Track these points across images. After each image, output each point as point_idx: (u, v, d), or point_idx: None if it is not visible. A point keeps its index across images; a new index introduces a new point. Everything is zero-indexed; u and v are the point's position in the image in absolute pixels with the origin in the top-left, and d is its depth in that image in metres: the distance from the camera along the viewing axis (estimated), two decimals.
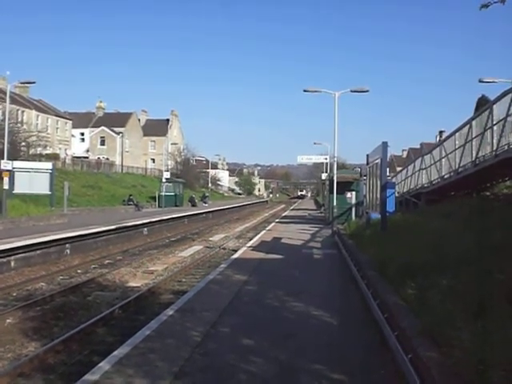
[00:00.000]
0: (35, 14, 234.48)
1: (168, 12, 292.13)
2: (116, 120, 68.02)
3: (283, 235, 20.17)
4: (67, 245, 16.68)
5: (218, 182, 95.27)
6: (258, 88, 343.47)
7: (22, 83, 34.38)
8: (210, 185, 77.27)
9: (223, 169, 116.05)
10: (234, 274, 10.59)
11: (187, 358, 5.25)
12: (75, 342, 7.57)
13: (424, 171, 19.01)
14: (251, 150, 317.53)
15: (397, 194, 20.72)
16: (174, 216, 29.71)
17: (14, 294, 11.22)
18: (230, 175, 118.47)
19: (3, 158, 25.31)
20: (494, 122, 11.70)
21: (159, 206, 40.93)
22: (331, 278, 10.89)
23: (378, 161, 15.67)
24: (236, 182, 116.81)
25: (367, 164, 19.18)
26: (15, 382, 6.10)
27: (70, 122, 59.72)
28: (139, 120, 75.47)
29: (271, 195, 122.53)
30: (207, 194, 56.06)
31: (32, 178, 28.21)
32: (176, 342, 5.77)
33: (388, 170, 19.92)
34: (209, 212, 39.70)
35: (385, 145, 14.70)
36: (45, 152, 42.80)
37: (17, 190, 26.87)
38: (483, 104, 19.16)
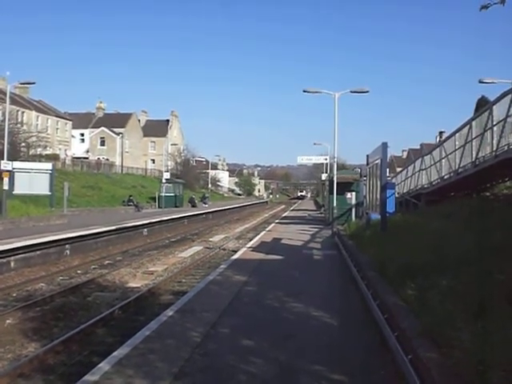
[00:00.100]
0: (35, 14, 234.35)
1: (168, 12, 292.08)
2: (116, 120, 68.04)
3: (283, 236, 20.17)
4: (67, 245, 16.68)
5: (218, 183, 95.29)
6: (257, 88, 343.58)
7: (21, 84, 34.39)
8: (209, 185, 77.23)
9: (223, 169, 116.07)
10: (233, 275, 10.59)
11: (187, 358, 5.25)
12: (75, 343, 7.57)
13: (424, 172, 19.02)
14: (251, 151, 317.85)
15: (397, 195, 20.74)
16: (173, 217, 29.72)
17: (14, 295, 11.22)
18: (229, 176, 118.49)
19: (3, 159, 25.30)
20: (494, 123, 11.70)
21: (159, 207, 40.95)
22: (331, 278, 10.89)
23: (378, 161, 15.67)
24: (236, 183, 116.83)
25: (367, 164, 19.18)
26: (15, 382, 6.10)
27: (70, 122, 59.74)
28: (139, 120, 75.52)
29: (271, 196, 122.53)
30: (207, 195, 56.07)
31: (32, 179, 28.24)
32: (176, 343, 5.77)
33: (388, 170, 19.95)
34: (209, 213, 39.70)
35: (385, 145, 14.70)
36: (45, 152, 42.82)
37: (17, 191, 26.88)
38: (483, 105, 19.17)
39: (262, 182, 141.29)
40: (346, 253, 13.90)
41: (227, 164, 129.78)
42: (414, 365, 4.51)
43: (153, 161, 75.48)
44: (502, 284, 5.22)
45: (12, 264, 13.90)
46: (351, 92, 22.80)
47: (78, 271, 14.40)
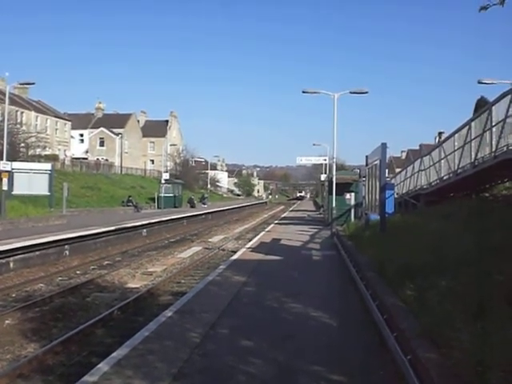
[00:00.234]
0: (34, 14, 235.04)
1: (168, 12, 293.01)
2: (115, 121, 68.01)
3: (282, 236, 20.16)
4: (66, 246, 16.66)
5: (217, 183, 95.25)
6: (257, 88, 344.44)
7: (21, 84, 34.35)
8: (209, 186, 77.22)
9: (222, 170, 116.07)
10: (232, 276, 10.58)
11: (186, 359, 5.24)
12: (74, 343, 7.56)
13: (423, 172, 19.02)
14: (250, 151, 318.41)
15: (396, 196, 20.74)
16: (173, 217, 29.70)
17: (13, 295, 11.21)
18: (229, 176, 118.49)
19: (2, 159, 25.32)
20: (493, 124, 11.71)
21: (158, 207, 40.95)
22: (330, 279, 10.89)
23: (377, 162, 15.68)
24: (235, 183, 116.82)
25: (366, 165, 19.19)
26: (14, 383, 6.09)
27: (69, 122, 59.74)
28: (138, 121, 75.50)
29: (270, 196, 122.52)
30: (206, 195, 56.06)
31: (31, 179, 28.24)
32: (175, 344, 5.76)
33: (387, 171, 19.97)
34: (208, 213, 39.68)
35: (384, 146, 14.71)
36: (44, 153, 42.81)
37: (16, 191, 26.88)
38: (482, 105, 19.18)
39: (261, 182, 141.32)
40: (345, 253, 13.90)
41: (226, 164, 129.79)
42: (413, 365, 4.50)
43: (152, 161, 75.45)
44: (501, 284, 5.22)
45: (11, 264, 13.88)
46: (350, 93, 22.84)
47: (77, 272, 14.39)
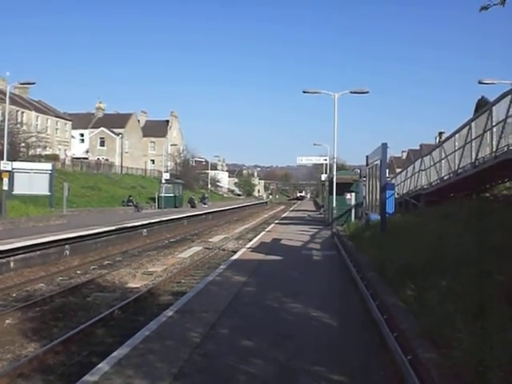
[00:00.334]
0: (35, 15, 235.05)
1: (167, 13, 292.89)
2: (116, 121, 68.01)
3: (283, 236, 20.17)
4: (67, 246, 16.67)
5: (218, 183, 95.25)
6: (257, 88, 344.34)
7: (21, 84, 34.41)
8: (209, 186, 77.22)
9: (223, 170, 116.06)
10: (233, 275, 10.59)
11: (186, 359, 5.25)
12: (74, 343, 7.57)
13: (423, 172, 19.02)
14: (251, 151, 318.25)
15: (396, 196, 20.74)
16: (173, 217, 29.71)
17: (14, 295, 11.22)
18: (229, 176, 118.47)
19: (3, 159, 25.31)
20: (494, 124, 11.70)
21: (159, 207, 40.94)
22: (330, 279, 10.89)
23: (378, 162, 15.67)
24: (235, 183, 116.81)
25: (367, 165, 19.19)
26: (15, 382, 6.09)
27: (70, 122, 59.74)
28: (139, 121, 75.49)
29: (271, 196, 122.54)
30: (207, 195, 56.08)
31: (31, 179, 28.24)
32: (175, 343, 5.76)
33: (387, 171, 19.96)
34: (208, 213, 39.68)
35: (384, 146, 14.71)
36: (44, 153, 42.84)
37: (16, 191, 26.89)
38: (483, 105, 19.19)
39: (262, 182, 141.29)
40: (345, 253, 13.90)
41: (227, 164, 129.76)
42: (413, 365, 4.51)
43: (152, 161, 75.46)
44: (501, 285, 5.21)
45: (12, 264, 13.89)
46: (351, 93, 22.83)
47: (78, 271, 14.39)
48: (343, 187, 25.33)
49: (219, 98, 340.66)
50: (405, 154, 73.66)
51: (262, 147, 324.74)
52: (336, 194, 23.44)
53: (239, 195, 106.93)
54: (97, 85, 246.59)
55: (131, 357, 5.29)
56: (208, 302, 7.97)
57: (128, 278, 13.46)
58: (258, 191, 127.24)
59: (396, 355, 5.10)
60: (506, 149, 10.94)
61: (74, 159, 53.32)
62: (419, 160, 20.27)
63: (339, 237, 18.25)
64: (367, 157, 18.86)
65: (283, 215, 42.00)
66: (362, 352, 5.70)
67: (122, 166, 61.14)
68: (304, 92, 23.06)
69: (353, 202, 25.59)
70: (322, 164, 43.66)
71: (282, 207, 71.53)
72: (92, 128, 67.14)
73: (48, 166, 30.83)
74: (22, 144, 37.92)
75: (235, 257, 13.98)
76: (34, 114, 50.36)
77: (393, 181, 25.33)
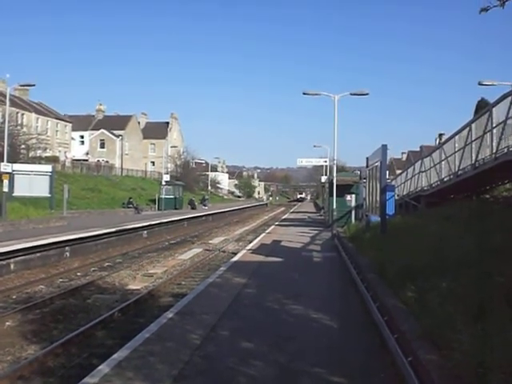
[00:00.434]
0: (35, 15, 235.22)
1: (167, 13, 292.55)
2: (116, 123, 68.09)
3: (283, 238, 20.16)
4: (67, 247, 16.67)
5: (218, 185, 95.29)
6: (257, 90, 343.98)
7: (21, 86, 34.34)
8: (209, 187, 77.28)
9: (223, 171, 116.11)
10: (233, 277, 10.58)
11: (187, 361, 5.24)
12: (74, 345, 7.56)
13: (424, 174, 19.02)
14: (251, 153, 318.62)
15: (396, 197, 20.73)
16: (173, 219, 29.71)
17: (14, 297, 11.21)
18: (229, 178, 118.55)
19: (3, 161, 25.33)
20: (494, 125, 11.71)
21: (159, 209, 40.96)
22: (331, 280, 10.88)
23: (378, 163, 15.67)
24: (236, 185, 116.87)
25: (367, 167, 19.19)
26: None
27: (70, 124, 59.81)
28: (139, 123, 75.59)
29: (271, 198, 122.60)
30: (207, 197, 56.12)
31: (32, 181, 28.29)
32: (175, 345, 5.76)
33: (388, 172, 19.97)
34: (208, 215, 39.69)
35: (384, 147, 14.71)
36: (44, 155, 42.92)
37: (16, 193, 26.91)
38: (483, 107, 19.19)
39: (262, 184, 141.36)
40: (345, 255, 13.90)
41: (227, 166, 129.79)
42: (413, 367, 4.50)
43: (152, 163, 75.53)
44: (501, 286, 5.21)
45: (12, 266, 13.89)
46: (351, 94, 22.89)
47: (78, 273, 14.38)
48: (343, 189, 25.35)
49: (219, 99, 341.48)
50: (405, 156, 73.82)
51: (262, 149, 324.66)
52: (336, 196, 23.45)
53: (239, 197, 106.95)
54: (97, 85, 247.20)
55: (131, 359, 5.28)
56: (208, 304, 7.96)
57: (128, 280, 13.46)
58: (258, 193, 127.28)
59: (396, 357, 5.10)
60: (506, 150, 10.95)
61: (74, 161, 53.38)
62: (419, 161, 20.27)
63: (339, 238, 18.25)
64: (367, 158, 18.87)
65: (283, 217, 41.99)
66: (363, 354, 5.69)
67: (122, 168, 61.20)
68: (304, 94, 23.11)
69: (353, 204, 25.59)
70: (322, 166, 43.67)
71: (282, 209, 71.49)
72: (92, 130, 67.21)
73: (48, 167, 30.88)
74: (22, 146, 38.00)
75: (235, 258, 13.97)
76: (34, 115, 50.42)
77: (393, 182, 25.33)
